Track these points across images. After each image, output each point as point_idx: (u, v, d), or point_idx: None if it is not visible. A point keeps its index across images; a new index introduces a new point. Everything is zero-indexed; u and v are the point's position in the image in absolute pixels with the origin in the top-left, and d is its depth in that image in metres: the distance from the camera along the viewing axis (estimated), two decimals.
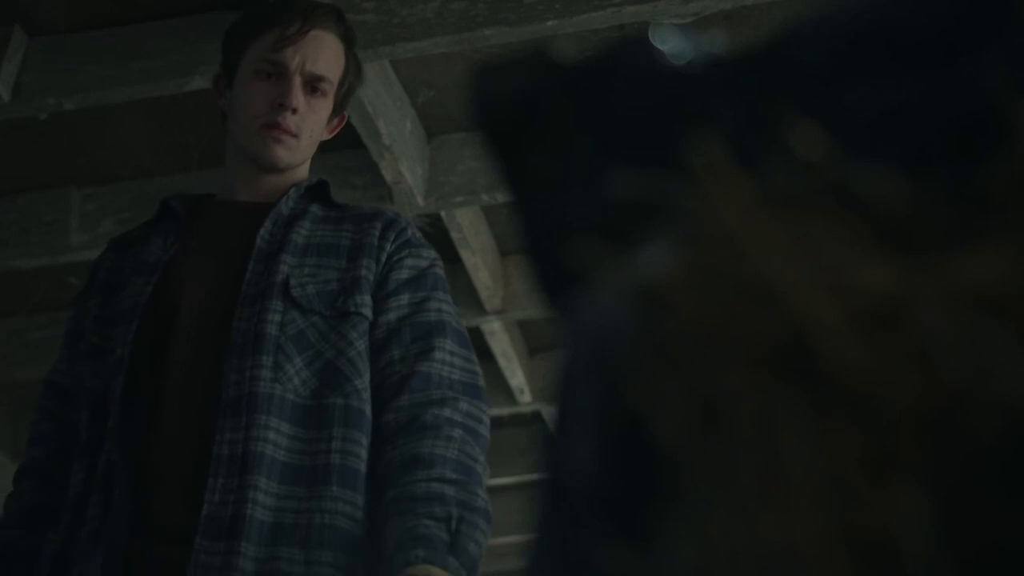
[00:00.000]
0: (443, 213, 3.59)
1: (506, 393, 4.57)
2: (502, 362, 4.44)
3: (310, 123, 2.20)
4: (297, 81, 2.19)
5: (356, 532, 1.92)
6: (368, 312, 2.04)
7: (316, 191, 2.23)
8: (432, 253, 2.17)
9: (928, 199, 0.58)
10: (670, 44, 0.71)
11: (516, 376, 4.52)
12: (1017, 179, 0.56)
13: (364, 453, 1.96)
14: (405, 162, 3.29)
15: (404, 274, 2.08)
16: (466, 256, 3.81)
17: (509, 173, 0.73)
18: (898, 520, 0.47)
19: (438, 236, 3.70)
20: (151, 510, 1.92)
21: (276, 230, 2.11)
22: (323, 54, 2.23)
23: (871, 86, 0.67)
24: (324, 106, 2.23)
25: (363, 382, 2.00)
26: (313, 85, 2.21)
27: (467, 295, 3.99)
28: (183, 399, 1.98)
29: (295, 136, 2.18)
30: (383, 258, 2.09)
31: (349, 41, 2.30)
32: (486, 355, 4.49)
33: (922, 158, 0.63)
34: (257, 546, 1.87)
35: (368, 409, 1.98)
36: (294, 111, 2.17)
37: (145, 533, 1.90)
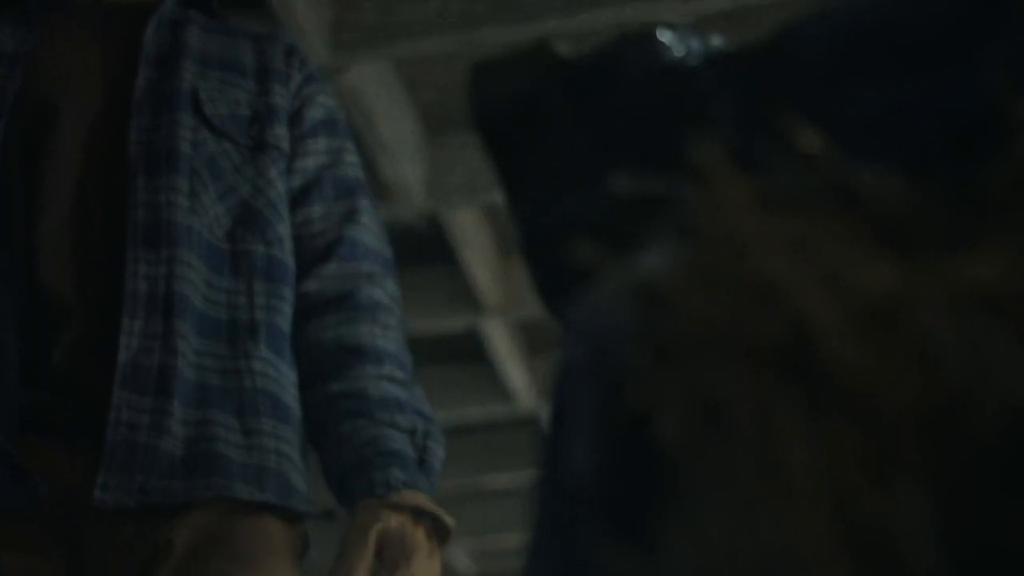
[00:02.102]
0: (443, 213, 3.59)
1: (506, 394, 4.57)
2: (502, 363, 4.44)
3: None
4: None
5: (291, 403, 1.66)
6: (286, 149, 1.74)
7: None
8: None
9: (928, 199, 0.58)
10: (670, 44, 0.71)
11: (516, 377, 4.52)
12: (1017, 179, 0.56)
13: (290, 313, 1.68)
14: (405, 162, 3.29)
15: (319, 113, 1.77)
16: (466, 256, 3.81)
17: (508, 172, 0.73)
18: (898, 520, 0.47)
19: (438, 236, 3.70)
20: (45, 354, 1.58)
21: (163, 32, 1.74)
22: None
23: (871, 86, 0.67)
24: None
25: (285, 229, 1.70)
26: None
27: (467, 295, 3.99)
28: (76, 219, 1.62)
29: None
30: (292, 88, 1.77)
31: None
32: (486, 355, 4.49)
33: (922, 158, 0.63)
34: (187, 407, 1.57)
35: (292, 262, 1.69)
36: None
37: (38, 383, 1.57)
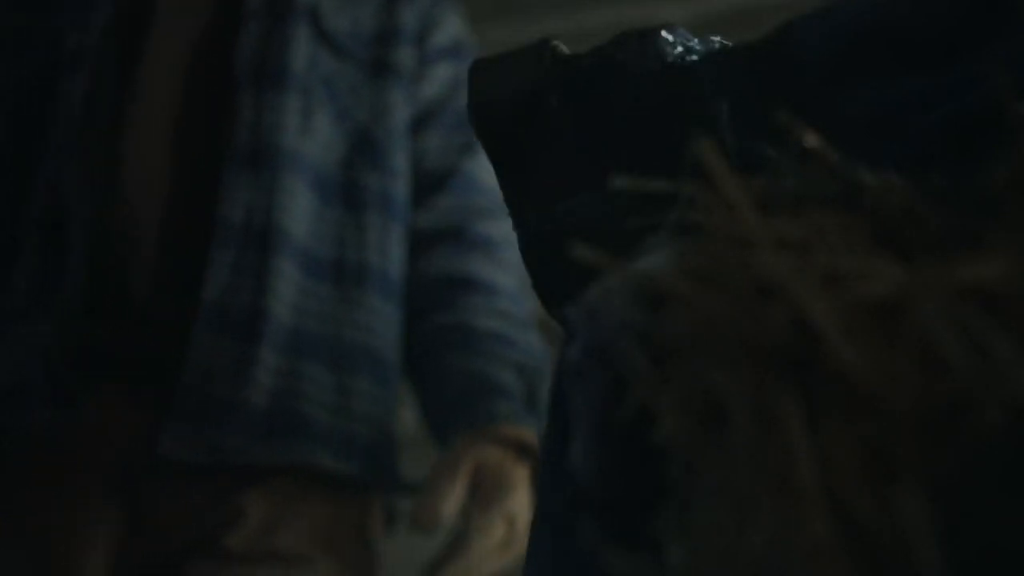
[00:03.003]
0: None
1: None
2: None
3: None
4: None
5: (394, 360, 1.47)
6: (409, 73, 1.55)
7: None
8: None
9: (928, 199, 0.58)
10: (670, 44, 0.71)
11: None
12: (1017, 179, 0.56)
13: (402, 255, 1.50)
14: None
15: (445, 38, 1.59)
16: None
17: (507, 172, 0.73)
18: (898, 520, 0.47)
19: None
20: (119, 284, 1.38)
21: None
22: None
23: (871, 86, 0.67)
24: None
25: (404, 161, 1.52)
26: None
27: None
28: (168, 135, 1.43)
29: None
30: (419, 8, 1.59)
31: None
32: None
33: (922, 158, 0.63)
34: (277, 355, 1.37)
35: (408, 198, 1.51)
36: None
37: (109, 315, 1.38)
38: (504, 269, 1.51)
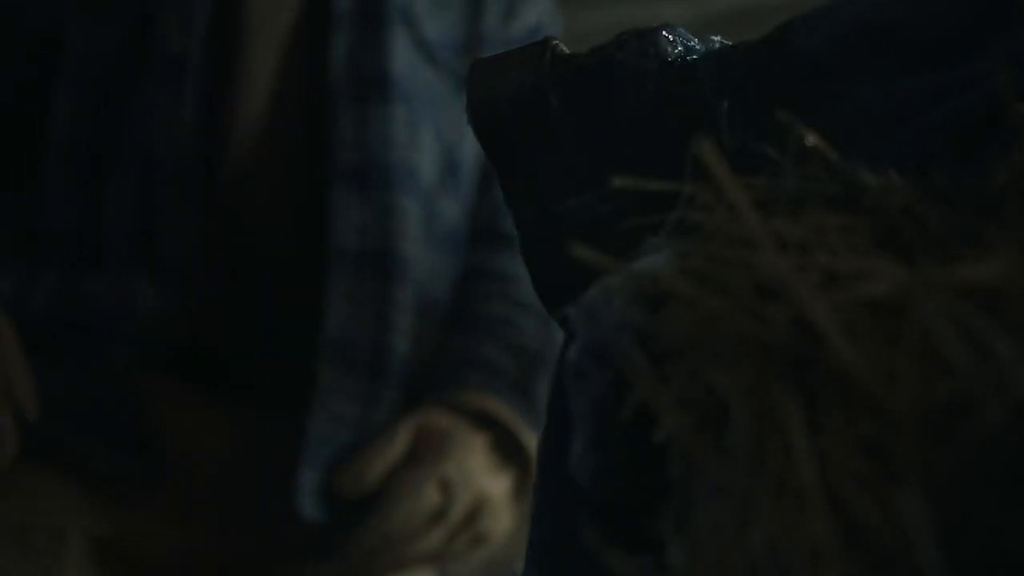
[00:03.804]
0: None
1: None
2: None
3: None
4: None
5: None
6: None
7: None
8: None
9: (928, 199, 0.58)
10: (670, 44, 0.71)
11: None
12: (1017, 179, 0.56)
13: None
14: None
15: (520, 29, 1.45)
16: None
17: (506, 172, 0.73)
18: (898, 520, 0.47)
19: None
20: (225, 313, 1.31)
21: None
22: None
23: (871, 85, 0.67)
24: None
25: (474, 195, 1.41)
26: None
27: None
28: (264, 156, 1.31)
29: None
30: (504, 6, 1.44)
31: None
32: None
33: (922, 158, 0.63)
34: (399, 391, 1.29)
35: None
36: None
37: (203, 342, 1.30)
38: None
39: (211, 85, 1.30)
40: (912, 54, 0.66)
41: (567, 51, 0.73)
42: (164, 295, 1.27)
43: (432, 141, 1.35)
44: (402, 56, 1.34)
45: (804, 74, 0.68)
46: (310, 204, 1.30)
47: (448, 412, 1.25)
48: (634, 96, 0.70)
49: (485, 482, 1.26)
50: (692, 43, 0.71)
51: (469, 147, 1.38)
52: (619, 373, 0.55)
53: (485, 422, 1.27)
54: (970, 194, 0.58)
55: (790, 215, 0.56)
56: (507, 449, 1.28)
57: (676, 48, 0.71)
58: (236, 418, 1.30)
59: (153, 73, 1.30)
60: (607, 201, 0.69)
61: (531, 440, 1.26)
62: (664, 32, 0.71)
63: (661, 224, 0.60)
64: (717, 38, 0.72)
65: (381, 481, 1.22)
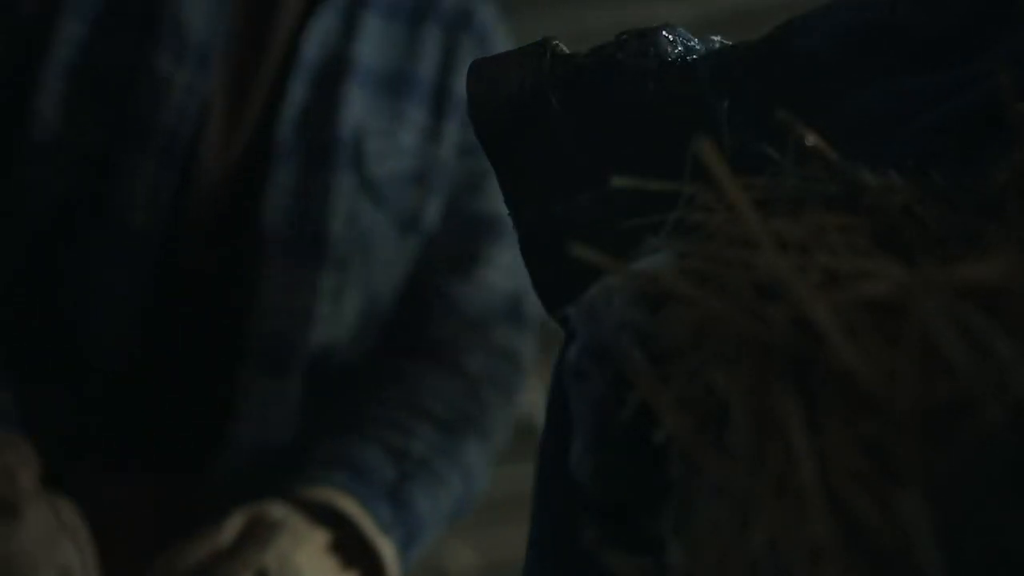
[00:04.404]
0: None
1: None
2: None
3: None
4: None
5: None
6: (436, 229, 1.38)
7: None
8: None
9: (929, 199, 0.58)
10: (670, 43, 0.71)
11: None
12: (1017, 179, 0.56)
13: None
14: None
15: (477, 167, 1.41)
16: None
17: (506, 172, 0.73)
18: (898, 520, 0.47)
19: None
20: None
21: (333, 23, 1.32)
22: None
23: (872, 85, 0.67)
24: None
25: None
26: None
27: None
28: (186, 312, 1.29)
29: None
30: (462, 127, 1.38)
31: None
32: None
33: (922, 158, 0.63)
34: None
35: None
36: None
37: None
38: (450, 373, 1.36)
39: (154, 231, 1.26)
40: (912, 54, 0.66)
41: (567, 51, 0.73)
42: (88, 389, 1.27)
43: (356, 303, 1.32)
44: (343, 206, 1.29)
45: (804, 74, 0.68)
46: (220, 386, 1.28)
47: (288, 505, 1.21)
48: (634, 96, 0.70)
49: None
50: (692, 43, 0.71)
51: (394, 284, 1.35)
52: (619, 373, 0.55)
53: (333, 520, 1.22)
54: (970, 194, 0.58)
55: (790, 215, 0.56)
56: (353, 551, 1.23)
57: (676, 48, 0.71)
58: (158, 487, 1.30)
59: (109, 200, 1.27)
60: (607, 201, 0.69)
61: (385, 546, 1.23)
62: (664, 32, 0.71)
63: (661, 224, 0.60)
64: (717, 38, 0.72)
65: (199, 568, 1.17)
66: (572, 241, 0.56)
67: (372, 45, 1.33)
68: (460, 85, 1.34)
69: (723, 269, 0.54)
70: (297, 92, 1.29)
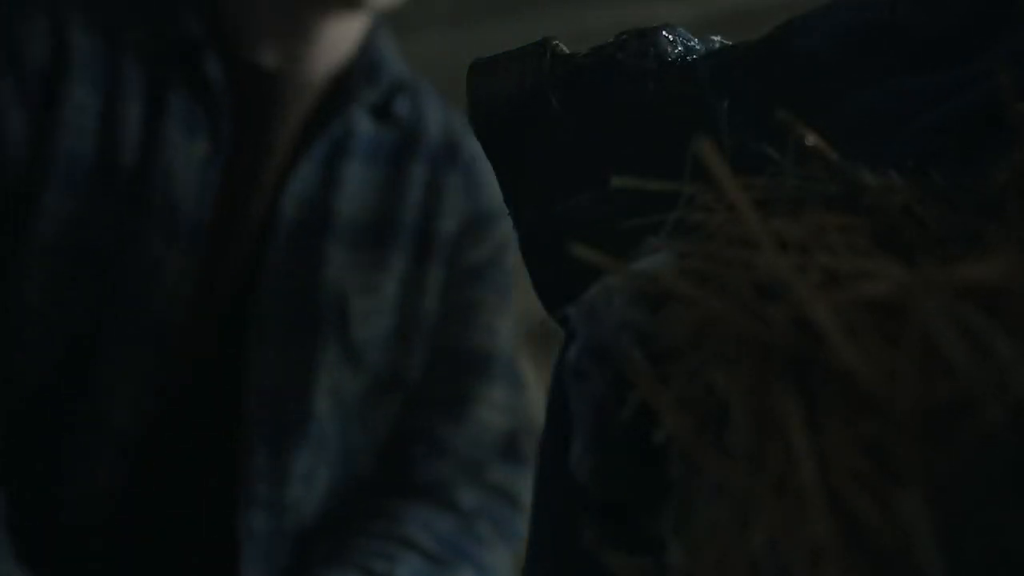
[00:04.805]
0: None
1: None
2: None
3: None
4: None
5: None
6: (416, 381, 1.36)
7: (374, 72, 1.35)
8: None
9: (929, 199, 0.58)
10: (670, 44, 0.71)
11: None
12: (1017, 179, 0.56)
13: None
14: None
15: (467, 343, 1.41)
16: None
17: (506, 172, 0.73)
18: (898, 520, 0.47)
19: None
20: None
21: (313, 177, 1.30)
22: None
23: (871, 85, 0.67)
24: None
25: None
26: None
27: None
28: (165, 515, 1.28)
29: None
30: (457, 269, 1.37)
31: None
32: None
33: (922, 158, 0.63)
34: None
35: None
36: None
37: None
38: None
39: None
40: (912, 54, 0.66)
41: (567, 51, 0.72)
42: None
43: (326, 479, 1.30)
44: (326, 383, 1.28)
45: (804, 74, 0.68)
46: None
47: None
48: (634, 96, 0.70)
49: None
50: (692, 43, 0.71)
51: (375, 438, 1.33)
52: (619, 373, 0.55)
53: None
54: (970, 194, 0.58)
55: (790, 215, 0.56)
56: None
57: (676, 48, 0.71)
58: None
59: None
60: (607, 201, 0.69)
61: None
62: (664, 32, 0.71)
63: (661, 224, 0.60)
64: (717, 38, 0.72)
65: None
66: (572, 241, 0.56)
67: (353, 195, 1.32)
68: (444, 225, 1.35)
69: (723, 269, 0.54)
70: (276, 256, 1.27)
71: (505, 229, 1.38)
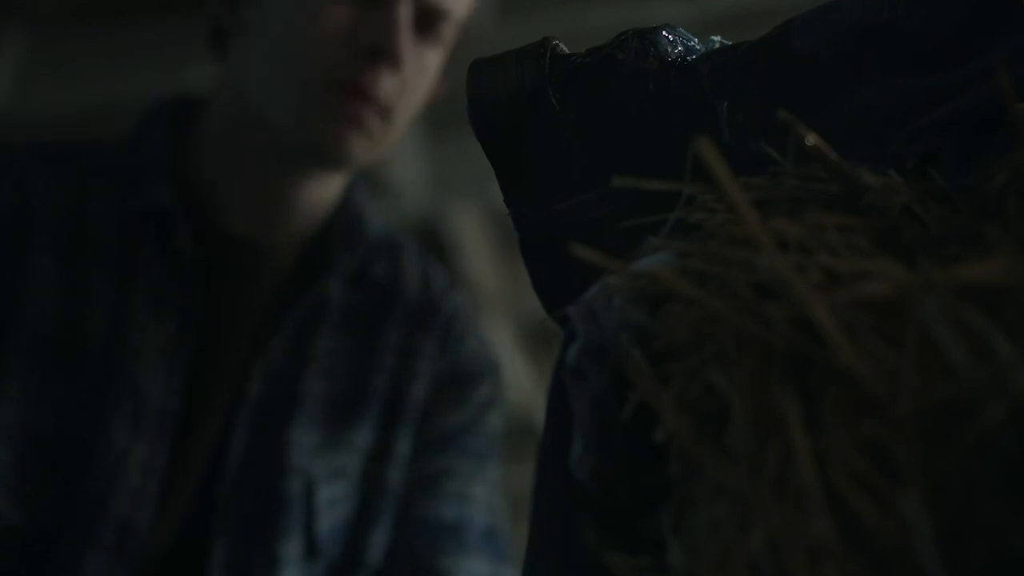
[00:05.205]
0: (444, 212, 3.59)
1: (505, 394, 4.57)
2: (500, 363, 4.43)
3: (415, 90, 1.23)
4: (406, 13, 1.20)
5: None
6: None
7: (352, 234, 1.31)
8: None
9: (929, 199, 0.58)
10: (670, 43, 0.71)
11: (515, 377, 4.52)
12: (1017, 179, 0.56)
13: None
14: (407, 159, 3.29)
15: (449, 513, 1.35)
16: (467, 255, 3.81)
17: (506, 171, 0.73)
18: (899, 520, 0.47)
19: (439, 235, 3.70)
20: None
21: (287, 353, 1.26)
22: None
23: (872, 85, 0.67)
24: (435, 60, 1.25)
25: None
26: (428, 19, 1.23)
27: (466, 295, 3.99)
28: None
29: (387, 112, 1.21)
30: (429, 436, 1.32)
31: None
32: None
33: (922, 158, 0.63)
34: None
35: None
36: (395, 64, 1.19)
37: None
38: None
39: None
40: (912, 54, 0.66)
41: (567, 51, 0.73)
42: None
43: None
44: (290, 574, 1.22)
45: (804, 74, 0.68)
46: None
47: None
48: (634, 96, 0.70)
49: None
50: (692, 43, 0.71)
51: None
52: (619, 373, 0.55)
53: None
54: (970, 194, 0.58)
55: (790, 215, 0.56)
56: None
57: (676, 48, 0.71)
58: None
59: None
60: (607, 201, 0.69)
61: None
62: (664, 32, 0.71)
63: (661, 224, 0.60)
64: (717, 38, 0.72)
65: None
66: (572, 241, 0.56)
67: (324, 371, 1.27)
68: (416, 390, 1.30)
69: (723, 269, 0.54)
70: (241, 443, 1.22)
71: (486, 390, 1.35)
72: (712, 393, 0.52)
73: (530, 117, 0.72)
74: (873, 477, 0.48)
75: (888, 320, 0.50)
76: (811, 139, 0.58)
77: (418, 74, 1.22)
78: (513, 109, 0.72)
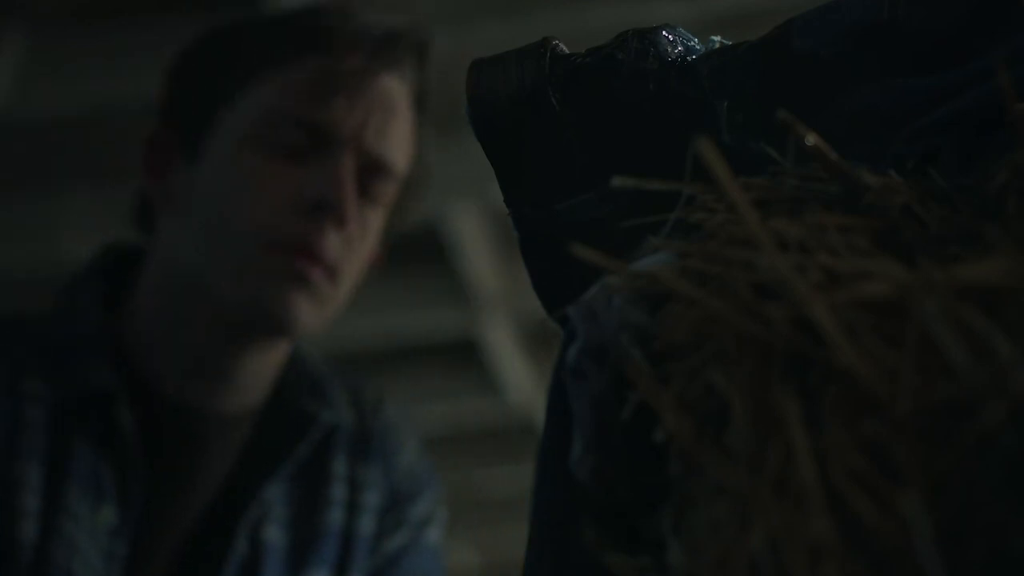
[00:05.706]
0: (444, 211, 3.59)
1: (505, 393, 4.57)
2: (501, 362, 4.44)
3: (358, 251, 1.20)
4: (350, 167, 1.18)
5: None
6: None
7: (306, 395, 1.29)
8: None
9: (929, 199, 0.58)
10: (670, 43, 0.71)
11: (515, 377, 4.52)
12: (1017, 179, 0.56)
13: None
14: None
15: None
16: (466, 255, 3.81)
17: (506, 171, 0.73)
18: (899, 520, 0.47)
19: (439, 235, 3.70)
20: None
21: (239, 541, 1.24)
22: (394, 123, 1.21)
23: (872, 86, 0.67)
24: (377, 221, 1.23)
25: None
26: (371, 175, 1.21)
27: (466, 295, 3.99)
28: None
29: (333, 272, 1.17)
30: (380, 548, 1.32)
31: (420, 102, 1.27)
32: (485, 355, 4.50)
33: (922, 158, 0.63)
34: None
35: None
36: (340, 220, 1.17)
37: None
38: None
39: None
40: (912, 54, 0.66)
41: (567, 51, 0.72)
42: None
43: None
44: None
45: (804, 74, 0.68)
46: None
47: None
48: (634, 96, 0.70)
49: None
50: (692, 43, 0.71)
51: None
52: (619, 373, 0.55)
53: None
54: (970, 194, 0.58)
55: (790, 215, 0.56)
56: None
57: (676, 48, 0.71)
58: None
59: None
60: (607, 201, 0.69)
61: None
62: (664, 32, 0.71)
63: (661, 224, 0.60)
64: (717, 38, 0.72)
65: None
66: (572, 241, 0.56)
67: (282, 523, 1.25)
68: (363, 525, 1.29)
69: (723, 269, 0.54)
70: None
71: (423, 506, 1.36)
72: (712, 393, 0.52)
73: (530, 117, 0.72)
74: (873, 477, 0.48)
75: (888, 320, 0.50)
76: (811, 139, 0.58)
77: (362, 234, 1.19)
78: (513, 109, 0.72)
